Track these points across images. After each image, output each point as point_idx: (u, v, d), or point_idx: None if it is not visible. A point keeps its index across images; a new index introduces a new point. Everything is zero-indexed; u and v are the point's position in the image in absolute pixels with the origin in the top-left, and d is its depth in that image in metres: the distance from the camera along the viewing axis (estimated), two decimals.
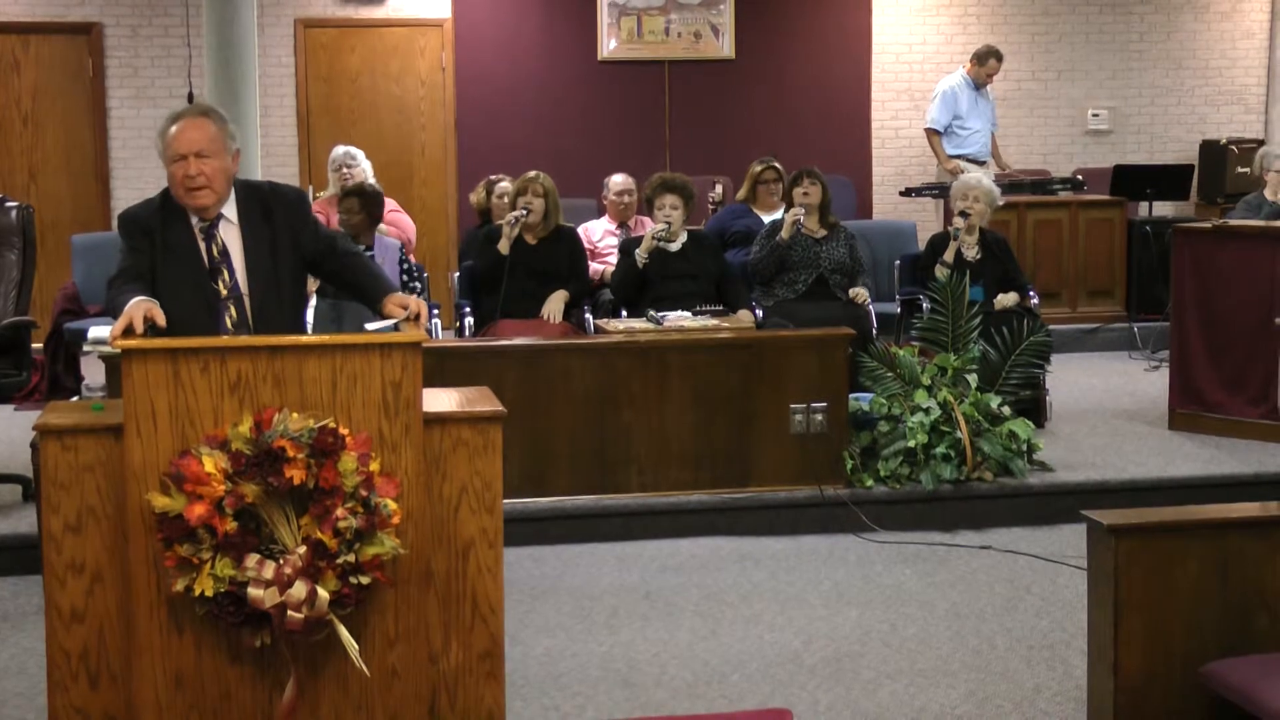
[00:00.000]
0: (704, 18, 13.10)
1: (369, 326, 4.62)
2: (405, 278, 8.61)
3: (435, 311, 8.70)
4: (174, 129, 4.76)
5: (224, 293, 4.78)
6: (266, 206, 4.86)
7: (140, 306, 4.39)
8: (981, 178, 9.36)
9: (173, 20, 12.42)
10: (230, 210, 4.83)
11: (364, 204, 8.68)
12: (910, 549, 6.93)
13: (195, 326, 4.66)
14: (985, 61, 12.06)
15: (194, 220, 4.80)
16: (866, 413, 7.43)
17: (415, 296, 4.77)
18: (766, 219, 9.36)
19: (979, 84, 12.10)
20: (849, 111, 13.44)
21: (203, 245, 4.79)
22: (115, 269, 4.82)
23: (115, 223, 12.41)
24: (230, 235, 4.82)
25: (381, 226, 8.95)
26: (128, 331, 4.31)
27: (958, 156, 11.84)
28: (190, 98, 12.09)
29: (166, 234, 4.78)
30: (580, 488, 7.14)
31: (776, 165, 9.75)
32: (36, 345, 8.37)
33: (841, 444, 7.28)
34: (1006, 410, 7.46)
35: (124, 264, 4.79)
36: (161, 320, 4.39)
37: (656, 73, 13.13)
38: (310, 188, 11.41)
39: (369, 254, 8.47)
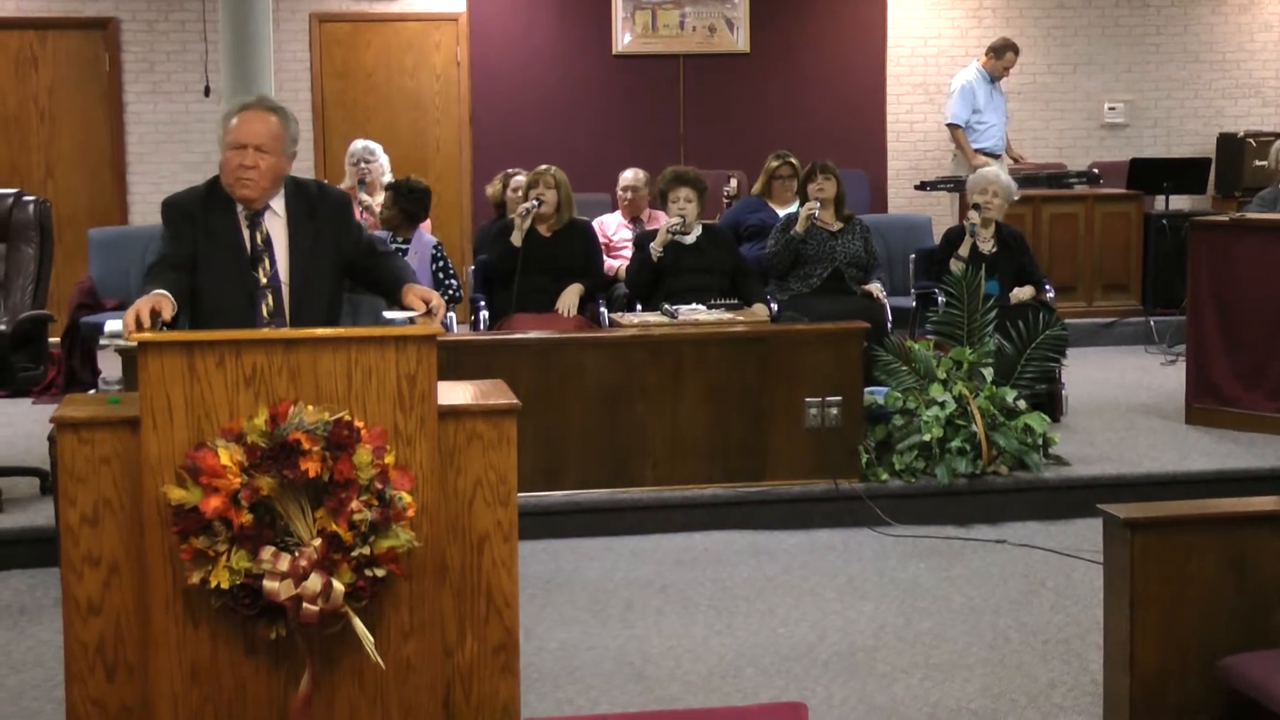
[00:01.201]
0: (719, 12, 13.09)
1: (386, 315, 4.63)
2: (440, 274, 8.64)
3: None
4: (239, 117, 4.85)
5: (263, 281, 4.84)
6: (313, 205, 4.94)
7: (148, 300, 4.41)
8: (999, 172, 9.34)
9: (189, 15, 12.44)
10: (278, 204, 4.90)
11: (398, 198, 8.74)
12: (925, 543, 6.93)
13: (232, 313, 4.73)
14: (1003, 54, 12.05)
15: (240, 208, 4.86)
16: (881, 406, 7.42)
17: (437, 292, 4.79)
18: (781, 213, 9.35)
19: (995, 77, 12.09)
20: (864, 105, 13.42)
21: (246, 233, 4.86)
22: (155, 256, 4.90)
23: (130, 215, 12.44)
24: (275, 227, 4.89)
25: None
26: (139, 325, 4.32)
27: (976, 151, 11.83)
28: (206, 91, 12.12)
29: (209, 220, 4.85)
30: (594, 482, 7.14)
31: (792, 160, 9.74)
32: (53, 340, 8.39)
33: (856, 438, 7.28)
34: (1022, 404, 7.45)
35: (163, 251, 4.88)
36: (168, 314, 4.42)
37: (671, 67, 13.13)
38: (324, 181, 11.42)
39: (405, 246, 8.57)
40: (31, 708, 5.09)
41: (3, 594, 6.27)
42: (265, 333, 4.27)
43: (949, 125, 12.16)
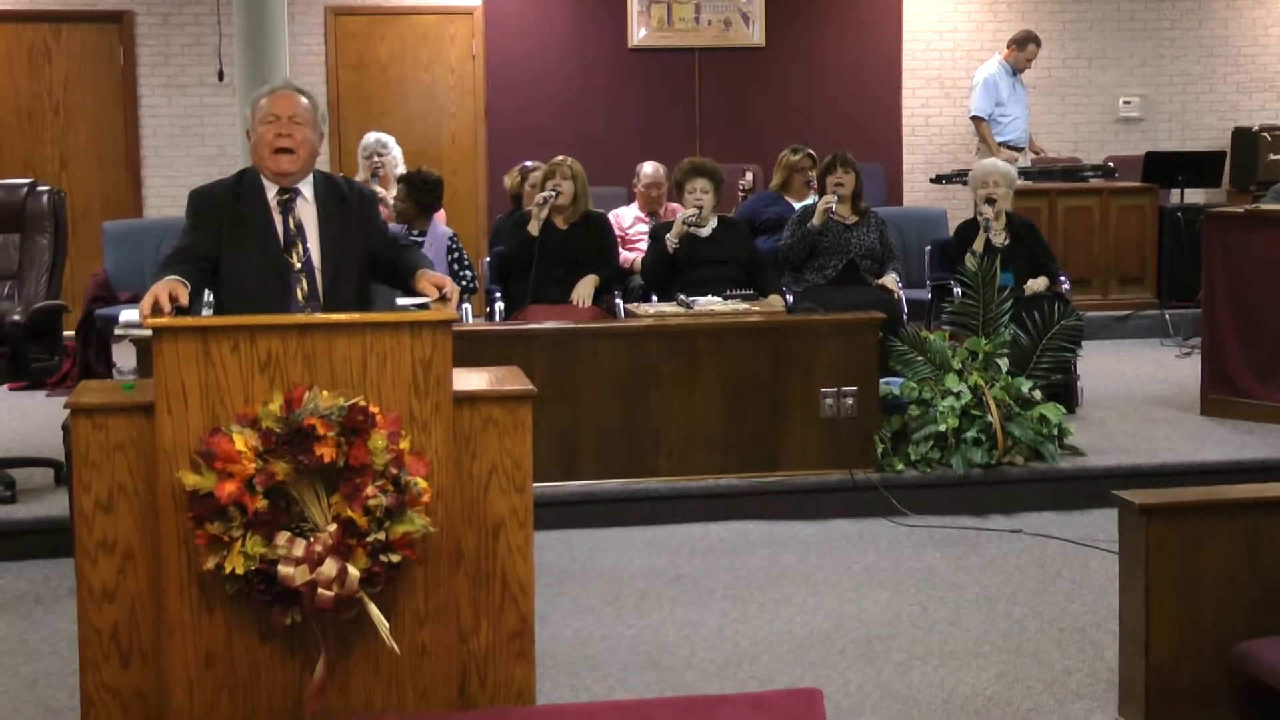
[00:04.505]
0: (734, 5, 13.08)
1: (399, 302, 4.64)
2: (455, 266, 8.66)
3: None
4: (269, 98, 4.96)
5: (297, 265, 4.88)
6: (341, 194, 5.03)
7: (165, 285, 4.43)
8: (996, 161, 9.30)
9: (203, 8, 12.47)
10: (308, 189, 4.98)
11: (411, 190, 8.77)
12: (941, 533, 6.92)
13: (267, 298, 4.77)
14: (1025, 46, 12.05)
15: (271, 194, 4.93)
16: (897, 397, 7.41)
17: (449, 279, 4.80)
18: (797, 206, 9.35)
19: (1017, 69, 12.09)
20: (879, 99, 13.40)
21: (279, 218, 4.92)
22: (170, 249, 4.96)
23: (145, 208, 12.43)
24: (306, 212, 4.96)
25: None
26: (155, 310, 4.33)
27: (1000, 144, 11.82)
28: (220, 75, 12.16)
29: (240, 207, 4.91)
30: (610, 471, 7.14)
31: (812, 153, 9.74)
32: (68, 332, 8.40)
33: (872, 428, 7.27)
34: (1037, 394, 7.43)
35: (180, 244, 4.94)
36: (184, 299, 4.44)
37: (687, 60, 13.12)
38: (340, 175, 11.45)
39: (420, 238, 8.60)
40: (46, 695, 5.09)
41: (18, 583, 6.29)
42: (280, 318, 4.26)
43: (973, 118, 12.14)
